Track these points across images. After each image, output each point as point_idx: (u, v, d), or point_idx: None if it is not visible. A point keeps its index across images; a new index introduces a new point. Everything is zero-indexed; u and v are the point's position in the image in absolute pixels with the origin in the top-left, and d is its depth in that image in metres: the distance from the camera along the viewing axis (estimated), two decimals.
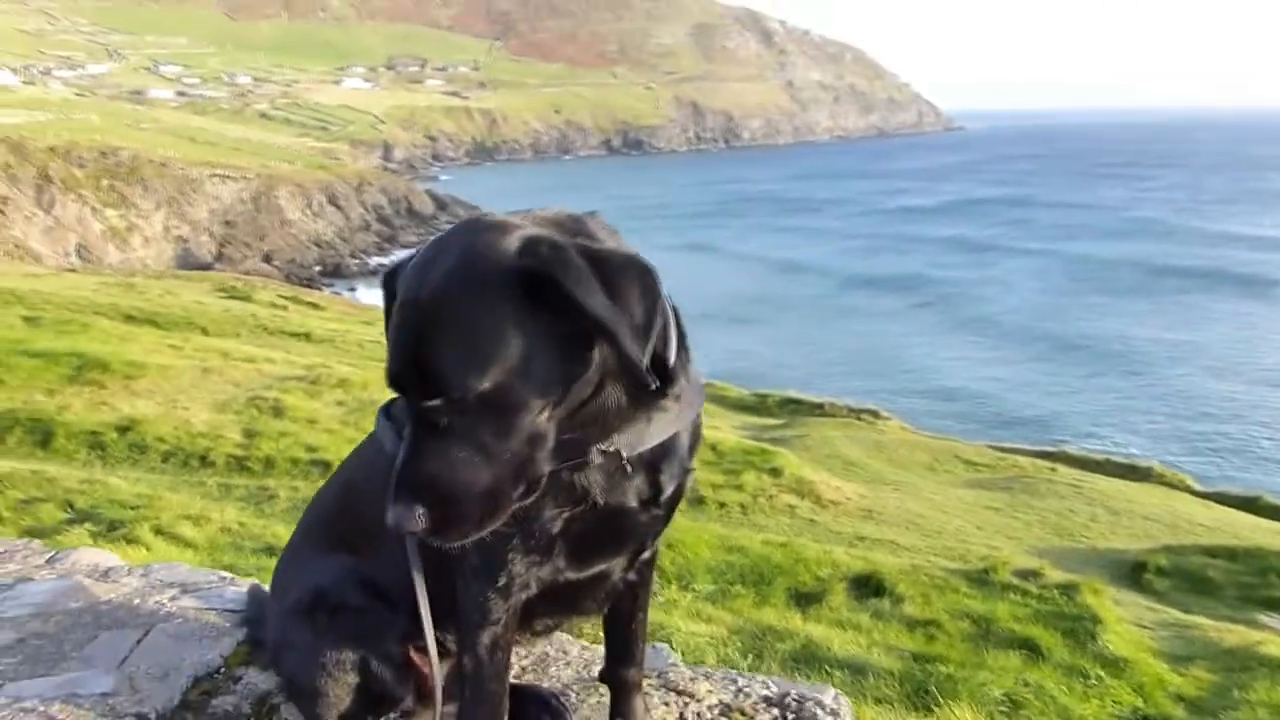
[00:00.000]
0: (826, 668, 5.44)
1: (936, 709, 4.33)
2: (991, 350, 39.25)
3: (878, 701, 4.63)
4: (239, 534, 7.91)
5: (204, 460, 10.87)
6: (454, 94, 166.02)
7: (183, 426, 11.55)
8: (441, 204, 74.93)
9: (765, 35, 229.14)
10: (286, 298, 32.70)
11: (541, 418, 1.33)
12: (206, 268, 52.05)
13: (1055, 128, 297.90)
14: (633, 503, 1.53)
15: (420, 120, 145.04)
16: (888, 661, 5.81)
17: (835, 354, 38.75)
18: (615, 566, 1.65)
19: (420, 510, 1.30)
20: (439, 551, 1.50)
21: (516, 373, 1.28)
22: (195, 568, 2.73)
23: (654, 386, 1.35)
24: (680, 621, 5.80)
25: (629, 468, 1.48)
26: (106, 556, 2.84)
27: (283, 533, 7.31)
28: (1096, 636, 7.19)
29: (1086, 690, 6.20)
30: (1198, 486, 17.51)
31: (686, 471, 1.60)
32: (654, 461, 1.53)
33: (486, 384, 1.27)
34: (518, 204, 1.59)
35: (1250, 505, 16.12)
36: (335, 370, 15.21)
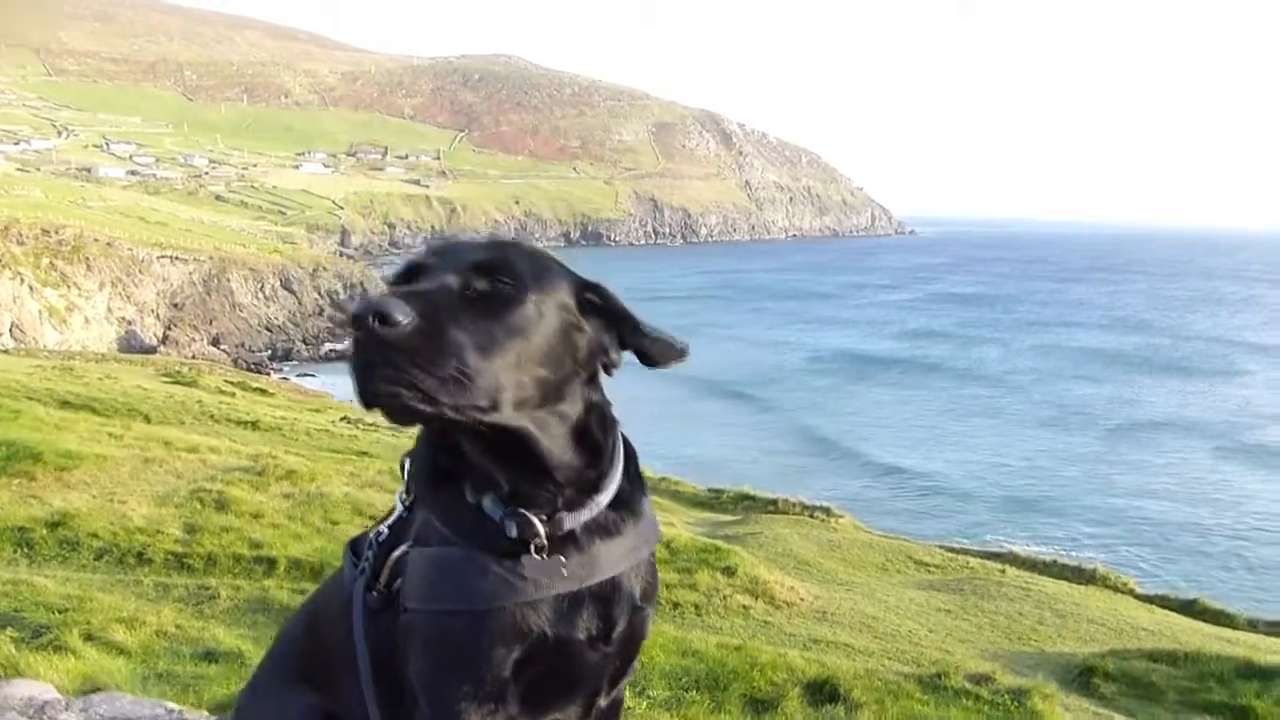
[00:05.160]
0: None
1: None
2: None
3: None
4: (176, 638, 7.55)
5: (141, 557, 10.41)
6: (414, 182, 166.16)
7: (119, 521, 11.08)
8: None
9: (724, 136, 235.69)
10: (234, 383, 32.17)
11: (529, 351, 1.36)
12: (151, 351, 51.11)
13: (1009, 236, 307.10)
14: (580, 635, 1.50)
15: (379, 207, 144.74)
16: None
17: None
18: (571, 715, 1.59)
19: (406, 311, 1.22)
20: (397, 695, 1.49)
21: (538, 303, 1.39)
22: (138, 699, 2.61)
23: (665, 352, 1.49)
24: None
25: (564, 565, 1.46)
26: (42, 690, 2.70)
27: (223, 635, 7.01)
28: None
29: None
30: (1140, 590, 17.79)
31: (638, 609, 1.58)
32: (603, 594, 1.52)
33: (537, 294, 1.39)
34: None
35: (1189, 609, 16.42)
36: (283, 461, 14.82)
